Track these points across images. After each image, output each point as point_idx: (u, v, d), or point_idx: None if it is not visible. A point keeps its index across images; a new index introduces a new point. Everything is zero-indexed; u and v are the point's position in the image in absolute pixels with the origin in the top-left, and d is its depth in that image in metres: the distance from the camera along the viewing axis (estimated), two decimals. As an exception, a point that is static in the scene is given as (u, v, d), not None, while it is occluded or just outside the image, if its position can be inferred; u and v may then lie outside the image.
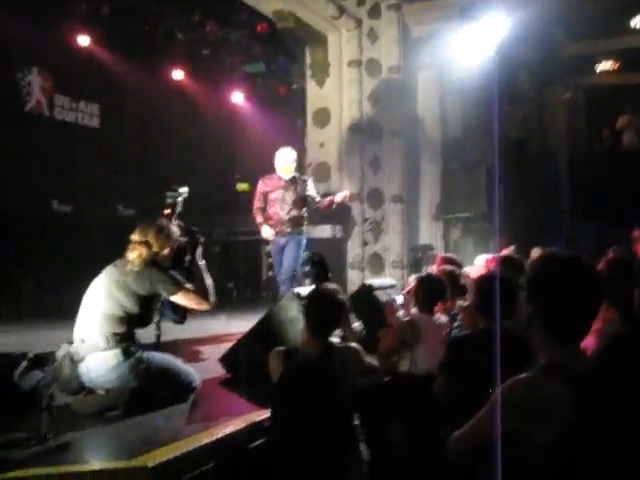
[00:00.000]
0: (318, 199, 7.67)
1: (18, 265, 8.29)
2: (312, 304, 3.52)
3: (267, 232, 7.30)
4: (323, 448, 3.16)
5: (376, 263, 11.08)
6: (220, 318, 7.74)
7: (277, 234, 7.33)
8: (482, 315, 3.45)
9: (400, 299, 5.20)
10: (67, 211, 9.40)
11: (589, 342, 3.31)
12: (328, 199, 7.75)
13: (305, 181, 7.66)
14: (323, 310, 3.43)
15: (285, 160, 7.47)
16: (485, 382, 2.97)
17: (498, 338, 2.96)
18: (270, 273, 10.04)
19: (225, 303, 9.11)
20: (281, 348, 3.57)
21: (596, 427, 1.97)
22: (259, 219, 7.37)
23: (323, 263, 5.99)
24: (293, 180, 7.49)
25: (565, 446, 1.94)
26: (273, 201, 7.37)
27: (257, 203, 7.42)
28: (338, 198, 7.68)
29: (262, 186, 7.46)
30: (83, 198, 9.60)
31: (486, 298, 3.34)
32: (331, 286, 3.69)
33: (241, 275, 11.01)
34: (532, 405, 2.02)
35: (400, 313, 4.97)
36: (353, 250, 11.20)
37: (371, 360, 3.77)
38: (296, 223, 7.41)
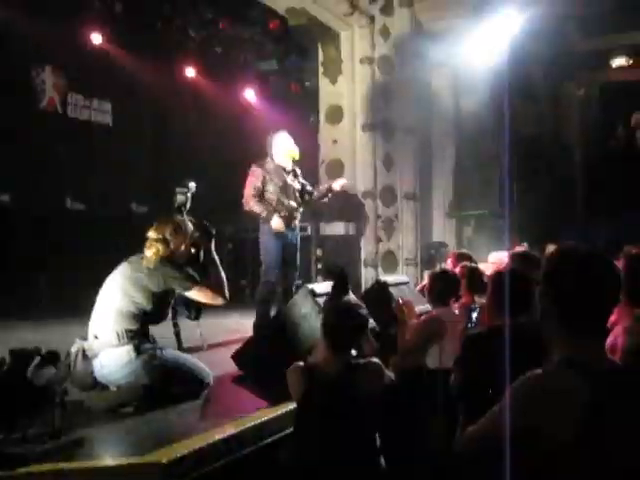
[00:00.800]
0: (311, 188, 7.05)
1: (33, 262, 8.32)
2: (332, 320, 3.39)
3: (279, 224, 6.47)
4: (346, 465, 3.13)
5: (389, 260, 11.05)
6: (233, 315, 7.76)
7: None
8: (497, 311, 3.43)
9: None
10: (81, 208, 9.44)
11: (619, 341, 3.31)
12: (325, 187, 7.24)
13: (297, 170, 6.95)
14: (344, 326, 3.33)
15: (289, 144, 6.74)
16: (500, 378, 2.96)
17: (508, 333, 2.96)
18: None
19: (238, 300, 9.11)
20: (300, 364, 3.43)
21: (615, 422, 1.95)
22: (259, 208, 6.48)
23: (343, 275, 5.73)
24: (293, 168, 6.83)
25: (583, 442, 1.92)
26: (274, 192, 6.56)
27: (253, 191, 6.47)
28: (336, 186, 7.13)
29: (262, 172, 6.54)
30: (96, 195, 9.63)
31: (500, 294, 3.32)
32: (352, 300, 3.57)
33: (254, 272, 11.00)
34: (548, 400, 1.99)
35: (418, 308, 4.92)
36: (366, 247, 11.18)
37: (389, 373, 3.65)
38: (297, 217, 6.82)
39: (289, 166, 6.74)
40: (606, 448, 1.93)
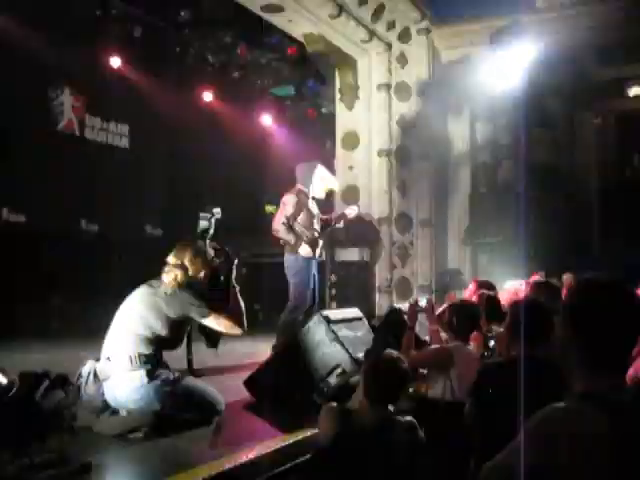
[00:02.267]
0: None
1: (47, 283, 8.33)
2: (375, 373, 3.33)
3: (308, 251, 6.65)
4: None
5: (404, 287, 10.99)
6: (246, 340, 7.69)
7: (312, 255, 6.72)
8: (514, 342, 3.36)
9: (423, 302, 5.05)
10: (94, 230, 9.45)
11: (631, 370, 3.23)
12: (337, 215, 7.30)
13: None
14: (387, 380, 3.28)
15: (329, 179, 6.97)
16: (515, 410, 2.89)
17: (522, 364, 2.89)
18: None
19: (252, 325, 9.04)
20: (335, 404, 3.41)
21: (635, 463, 1.88)
22: (289, 237, 6.62)
23: (398, 324, 5.45)
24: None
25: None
26: (305, 221, 6.71)
27: (284, 220, 6.62)
28: (350, 212, 7.20)
29: (295, 202, 6.66)
30: (111, 217, 9.64)
31: (518, 324, 3.25)
32: (395, 354, 3.49)
33: (268, 297, 10.96)
34: (566, 437, 1.93)
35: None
36: (381, 274, 11.14)
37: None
38: (320, 245, 6.92)
39: (323, 198, 6.94)
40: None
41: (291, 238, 6.58)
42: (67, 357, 5.38)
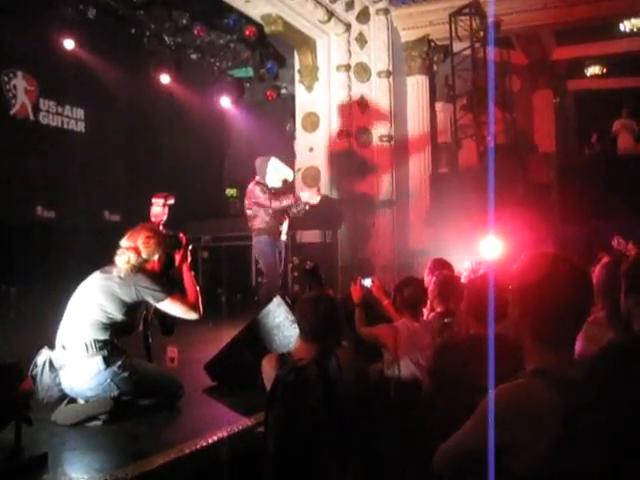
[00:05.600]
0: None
1: (2, 271, 8.16)
2: (305, 309, 3.39)
3: (311, 196, 7.26)
4: (319, 455, 3.07)
5: (366, 267, 11.01)
6: (207, 324, 7.64)
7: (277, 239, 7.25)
8: (472, 320, 3.37)
9: (368, 282, 5.11)
10: (51, 216, 9.27)
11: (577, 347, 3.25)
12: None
13: None
14: (317, 315, 3.32)
15: (284, 169, 7.47)
16: (472, 389, 2.90)
17: (492, 343, 2.89)
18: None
19: (214, 309, 9.01)
20: (274, 353, 3.50)
21: (587, 436, 1.89)
22: (287, 199, 7.16)
23: (316, 271, 5.82)
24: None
25: (556, 457, 1.86)
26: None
27: (267, 194, 7.12)
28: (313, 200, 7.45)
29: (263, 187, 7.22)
30: (68, 203, 9.46)
31: (476, 302, 3.26)
32: (323, 293, 3.57)
33: (230, 281, 10.90)
34: (520, 414, 1.93)
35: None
36: (343, 254, 11.15)
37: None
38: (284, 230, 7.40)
39: (280, 186, 7.39)
40: (580, 460, 1.88)
41: (289, 197, 7.15)
42: (20, 348, 5.27)
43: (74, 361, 3.94)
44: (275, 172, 7.34)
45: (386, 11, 11.24)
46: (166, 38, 10.51)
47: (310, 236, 10.84)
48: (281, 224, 7.28)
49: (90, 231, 9.22)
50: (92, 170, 9.83)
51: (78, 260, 7.68)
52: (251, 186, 7.30)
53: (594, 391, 1.96)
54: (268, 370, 3.30)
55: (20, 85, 9.08)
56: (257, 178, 7.35)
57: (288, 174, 7.59)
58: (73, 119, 9.86)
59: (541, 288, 2.00)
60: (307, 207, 7.49)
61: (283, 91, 12.51)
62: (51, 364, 3.97)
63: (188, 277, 4.43)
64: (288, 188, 7.72)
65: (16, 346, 5.27)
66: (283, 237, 7.35)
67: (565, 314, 1.99)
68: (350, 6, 11.05)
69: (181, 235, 4.57)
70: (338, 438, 3.15)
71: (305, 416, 3.11)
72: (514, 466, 1.95)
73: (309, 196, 7.42)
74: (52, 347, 4.07)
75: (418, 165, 11.46)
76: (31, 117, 9.27)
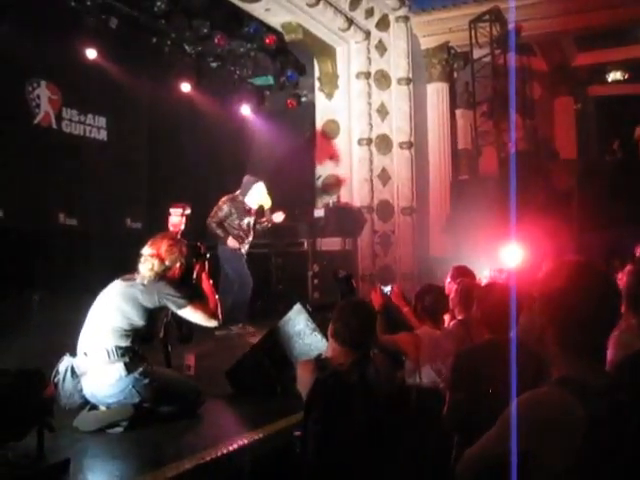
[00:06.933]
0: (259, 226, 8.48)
1: (25, 278, 8.22)
2: (344, 315, 3.38)
3: (235, 243, 8.00)
4: (360, 458, 3.07)
5: (387, 275, 10.99)
6: (230, 330, 7.67)
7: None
8: (484, 327, 3.37)
9: (388, 289, 5.11)
10: (73, 224, 9.33)
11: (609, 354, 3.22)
12: (266, 220, 8.51)
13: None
14: (356, 321, 3.32)
15: (264, 197, 8.25)
16: (492, 395, 2.88)
17: (513, 347, 2.88)
18: (280, 286, 10.02)
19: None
20: (310, 358, 3.50)
21: (610, 447, 1.86)
22: (219, 231, 7.97)
23: (349, 279, 5.81)
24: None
25: (578, 467, 1.84)
26: (235, 225, 8.04)
27: (216, 219, 7.98)
28: (277, 219, 8.45)
29: (229, 208, 8.02)
30: (90, 211, 9.53)
31: (491, 309, 3.26)
32: (361, 299, 3.56)
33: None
34: (543, 423, 1.91)
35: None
36: (363, 262, 11.14)
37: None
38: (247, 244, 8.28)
39: (254, 208, 8.24)
40: (604, 469, 1.86)
41: (219, 232, 7.92)
42: (44, 352, 5.30)
43: (95, 368, 3.97)
44: (257, 195, 8.14)
45: (406, 18, 11.23)
46: (187, 47, 10.57)
47: (330, 243, 10.84)
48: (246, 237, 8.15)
49: (111, 238, 9.28)
50: (114, 178, 9.88)
51: (100, 267, 7.74)
52: (224, 204, 8.03)
53: (619, 400, 1.94)
54: (305, 375, 3.31)
55: (44, 94, 9.16)
56: (237, 194, 8.15)
57: (266, 202, 8.34)
58: (95, 127, 9.92)
59: (567, 296, 1.98)
60: (269, 225, 8.52)
61: (303, 99, 12.53)
62: (73, 371, 4.01)
63: (207, 285, 4.47)
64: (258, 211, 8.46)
65: (38, 353, 5.32)
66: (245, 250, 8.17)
67: (591, 322, 1.97)
68: (370, 14, 11.06)
69: (200, 244, 4.61)
70: (376, 441, 3.15)
71: (346, 419, 3.11)
72: (537, 475, 1.94)
73: (277, 217, 8.43)
74: (74, 354, 4.11)
75: (438, 172, 11.44)
76: (54, 126, 9.34)
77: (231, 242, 7.90)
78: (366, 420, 3.12)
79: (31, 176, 8.67)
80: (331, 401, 3.12)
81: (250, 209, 8.18)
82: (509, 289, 3.51)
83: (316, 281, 9.97)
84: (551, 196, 11.47)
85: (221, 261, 7.95)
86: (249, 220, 8.19)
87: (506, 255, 7.96)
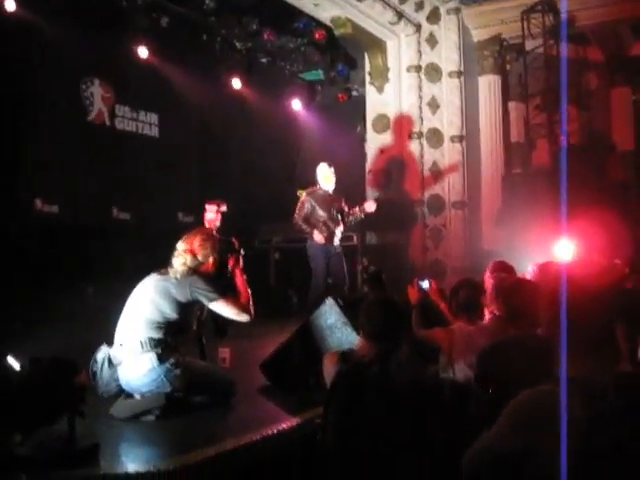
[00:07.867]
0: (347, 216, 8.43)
1: (79, 271, 8.48)
2: (369, 310, 3.44)
3: (320, 238, 8.03)
4: (376, 449, 3.10)
5: (437, 269, 10.93)
6: (274, 325, 7.74)
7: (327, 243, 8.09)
8: (512, 323, 3.35)
9: (425, 284, 5.10)
10: (126, 218, 9.58)
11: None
12: (357, 210, 8.44)
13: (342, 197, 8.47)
14: (380, 317, 3.37)
15: (326, 171, 8.27)
16: (516, 392, 2.88)
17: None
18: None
19: (284, 309, 9.13)
20: (336, 350, 3.62)
21: (607, 445, 1.87)
22: (305, 227, 8.12)
23: (379, 275, 5.86)
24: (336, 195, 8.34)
25: (577, 464, 1.85)
26: (320, 216, 8.11)
27: (301, 216, 8.12)
28: (369, 208, 8.41)
29: (309, 201, 8.14)
30: (143, 205, 9.76)
31: (514, 305, 3.25)
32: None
33: (300, 282, 10.98)
34: (541, 421, 1.93)
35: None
36: (414, 256, 11.11)
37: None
38: (338, 235, 8.25)
39: (331, 190, 8.24)
40: (600, 467, 1.86)
41: (307, 227, 8.05)
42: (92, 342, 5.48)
43: (130, 358, 4.11)
44: (321, 174, 8.24)
45: (457, 10, 11.12)
46: (237, 43, 10.70)
47: (381, 238, 10.84)
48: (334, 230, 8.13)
49: (164, 232, 9.47)
50: (166, 173, 10.10)
51: (152, 260, 7.93)
52: (304, 199, 8.19)
53: (619, 400, 1.94)
54: (329, 367, 3.39)
55: (97, 92, 9.42)
56: (316, 186, 8.29)
57: (325, 171, 8.28)
58: (147, 124, 10.15)
59: (578, 296, 2.00)
60: (362, 216, 8.43)
61: (354, 93, 12.53)
62: (110, 360, 4.16)
63: (240, 280, 4.56)
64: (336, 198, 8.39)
65: (88, 343, 5.50)
66: (336, 242, 8.17)
67: (599, 322, 1.98)
68: (420, 6, 10.99)
69: (234, 240, 4.70)
70: (395, 433, 3.18)
71: (364, 410, 3.14)
72: (535, 471, 1.95)
73: (369, 206, 8.41)
74: (112, 344, 4.26)
75: (490, 166, 11.29)
76: (107, 123, 9.59)
77: (316, 236, 8.00)
78: (383, 412, 3.15)
79: (85, 172, 8.94)
80: (348, 391, 3.16)
81: (330, 195, 8.23)
82: (535, 286, 3.49)
83: (365, 275, 10.00)
84: (607, 189, 11.22)
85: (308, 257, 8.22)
86: (333, 209, 8.22)
87: (558, 249, 7.83)
